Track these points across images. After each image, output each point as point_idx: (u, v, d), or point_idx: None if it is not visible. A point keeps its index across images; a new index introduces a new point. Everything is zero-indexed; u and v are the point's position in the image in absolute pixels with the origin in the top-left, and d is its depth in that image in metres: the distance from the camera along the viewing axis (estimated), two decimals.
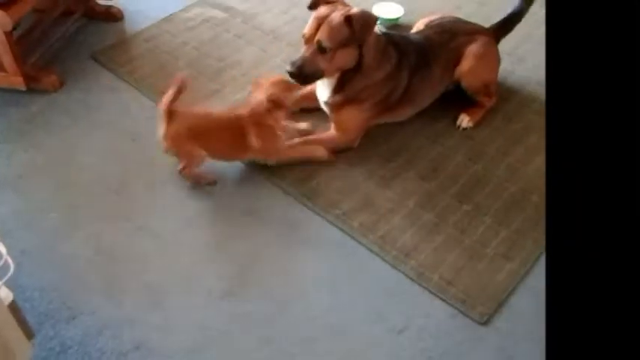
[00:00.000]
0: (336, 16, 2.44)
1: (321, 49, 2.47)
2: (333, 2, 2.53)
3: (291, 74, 2.52)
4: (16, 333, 1.43)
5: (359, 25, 2.43)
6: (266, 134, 2.48)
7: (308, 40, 2.50)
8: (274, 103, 2.45)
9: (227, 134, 2.49)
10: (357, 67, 2.57)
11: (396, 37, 2.77)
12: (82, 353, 2.02)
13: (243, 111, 2.49)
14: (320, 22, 2.46)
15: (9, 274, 1.43)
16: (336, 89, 2.64)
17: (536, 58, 3.23)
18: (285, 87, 2.51)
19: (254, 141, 2.47)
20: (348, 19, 2.43)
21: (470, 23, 2.96)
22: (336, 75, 2.61)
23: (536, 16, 3.03)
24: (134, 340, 2.05)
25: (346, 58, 2.53)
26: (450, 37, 2.82)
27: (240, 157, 2.60)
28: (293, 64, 2.50)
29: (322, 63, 2.51)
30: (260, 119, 2.47)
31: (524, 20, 3.01)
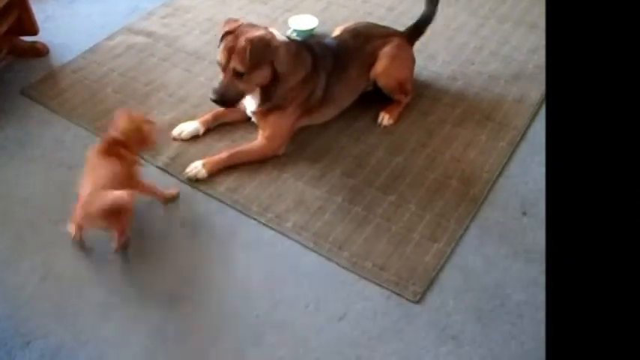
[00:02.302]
0: (242, 41, 2.56)
1: (237, 75, 2.61)
2: (235, 30, 2.64)
3: (215, 101, 2.67)
4: None
5: (254, 47, 2.56)
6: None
7: (224, 68, 2.63)
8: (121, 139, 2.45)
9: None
10: (274, 78, 2.70)
11: (310, 42, 2.93)
12: None
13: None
14: (230, 52, 2.59)
15: None
16: (262, 99, 2.78)
17: (445, 55, 3.44)
18: (138, 125, 2.49)
19: None
20: (251, 43, 2.56)
21: (383, 27, 3.14)
22: (259, 90, 2.76)
23: (443, 15, 3.22)
24: (90, 358, 2.13)
25: (262, 76, 2.67)
26: (364, 40, 2.98)
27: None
28: (215, 91, 2.65)
29: (241, 85, 2.65)
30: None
31: (433, 21, 3.20)
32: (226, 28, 2.65)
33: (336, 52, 2.91)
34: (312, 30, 3.57)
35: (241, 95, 2.71)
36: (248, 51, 2.54)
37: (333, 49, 2.91)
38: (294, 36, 3.51)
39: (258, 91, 2.76)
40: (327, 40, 3.02)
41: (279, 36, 2.73)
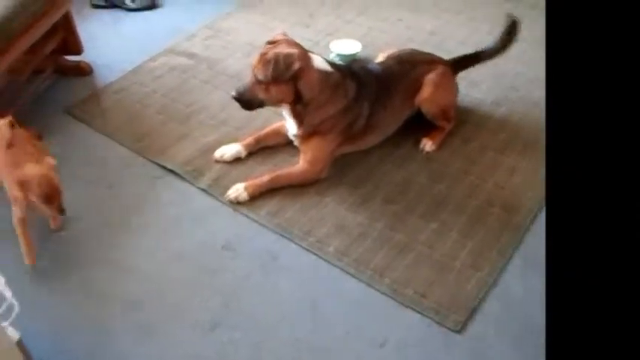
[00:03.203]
0: (271, 53, 2.61)
1: (258, 82, 2.66)
2: (275, 42, 2.71)
3: (234, 98, 2.75)
4: None
5: (275, 63, 2.59)
6: None
7: (252, 70, 2.69)
8: None
9: None
10: (299, 100, 2.71)
11: (356, 69, 2.93)
12: None
13: None
14: (260, 58, 2.65)
15: (14, 314, 1.54)
16: (298, 123, 2.79)
17: (489, 82, 3.42)
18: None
19: None
20: (275, 57, 2.60)
21: (427, 54, 3.14)
22: (287, 109, 2.78)
23: (485, 43, 3.20)
24: None
25: (281, 92, 2.68)
26: (409, 67, 2.98)
27: None
28: (237, 89, 2.74)
29: (260, 93, 2.69)
30: None
31: (475, 46, 3.20)
32: (271, 39, 2.72)
33: (381, 78, 2.91)
34: (354, 54, 3.57)
35: (259, 103, 2.74)
36: (272, 64, 2.58)
37: (378, 76, 2.91)
38: (336, 60, 3.52)
39: (290, 112, 2.79)
40: (372, 66, 3.02)
41: (321, 63, 2.73)
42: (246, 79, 2.75)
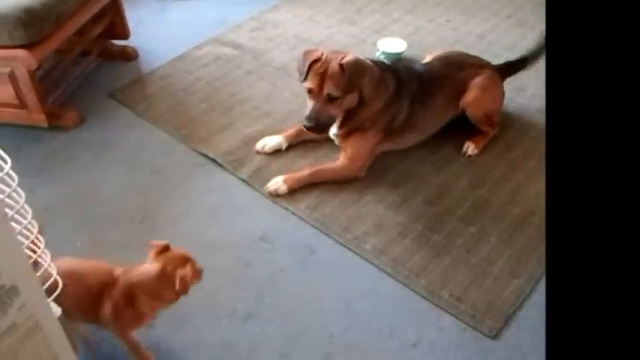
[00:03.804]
0: (335, 66, 2.60)
1: (330, 99, 2.63)
2: (321, 57, 2.66)
3: (309, 128, 2.70)
4: (64, 346, 1.54)
5: (351, 72, 2.59)
6: (128, 313, 1.98)
7: (316, 94, 2.65)
8: (167, 282, 1.94)
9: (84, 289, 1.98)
10: (360, 101, 2.72)
11: (397, 66, 2.94)
12: None
13: (124, 274, 2.04)
14: (322, 77, 2.61)
15: (58, 291, 1.55)
16: (343, 122, 2.79)
17: (535, 88, 3.37)
18: (186, 264, 2.00)
19: (107, 309, 1.97)
20: (342, 67, 2.59)
21: (475, 57, 3.12)
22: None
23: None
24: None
25: (352, 100, 2.70)
26: (456, 68, 2.97)
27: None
28: (309, 118, 2.67)
29: (333, 110, 2.68)
30: (134, 293, 1.96)
31: (523, 52, 3.16)
32: (311, 58, 2.66)
33: (424, 77, 2.90)
34: (400, 53, 3.56)
35: (333, 120, 2.73)
36: (347, 74, 2.58)
37: (420, 75, 2.90)
38: (382, 58, 3.51)
39: (342, 116, 2.79)
40: (416, 66, 3.01)
41: (364, 59, 2.74)
42: (307, 105, 2.71)
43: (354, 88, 2.64)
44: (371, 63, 2.75)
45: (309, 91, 2.67)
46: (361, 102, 2.72)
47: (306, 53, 2.70)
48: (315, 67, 2.64)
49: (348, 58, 2.62)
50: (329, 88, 2.61)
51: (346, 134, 2.82)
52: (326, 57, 2.65)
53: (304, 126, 2.73)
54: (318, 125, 2.68)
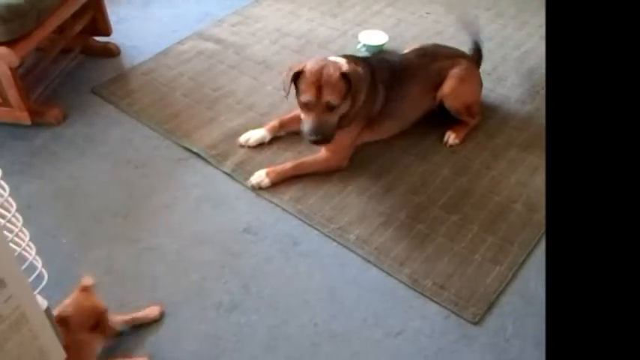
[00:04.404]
0: (333, 74, 2.59)
1: (329, 108, 2.62)
2: (303, 69, 2.63)
3: (316, 142, 2.67)
4: (51, 337, 1.55)
5: (355, 79, 2.62)
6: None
7: (315, 104, 2.62)
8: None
9: None
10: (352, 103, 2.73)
11: (369, 58, 2.98)
12: None
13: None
14: (317, 86, 2.59)
15: (43, 284, 1.56)
16: None
17: (515, 78, 3.41)
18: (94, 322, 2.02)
19: None
20: (345, 76, 2.59)
21: (451, 48, 3.14)
22: None
23: (514, 38, 3.21)
24: (147, 353, 2.16)
25: (346, 106, 2.70)
26: (430, 59, 2.99)
27: None
28: (313, 131, 2.63)
29: (332, 118, 2.66)
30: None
31: (503, 42, 3.20)
32: (295, 70, 2.64)
33: (396, 67, 2.92)
34: (381, 46, 3.58)
35: (334, 128, 2.70)
36: (353, 83, 2.60)
37: (393, 64, 2.92)
38: (363, 51, 3.54)
39: None
40: (390, 56, 3.04)
41: (344, 63, 2.70)
42: (305, 120, 2.69)
43: (346, 96, 2.65)
44: (347, 63, 2.72)
45: (306, 104, 2.64)
46: (352, 107, 2.73)
47: (290, 69, 2.68)
48: (306, 79, 2.61)
49: (347, 67, 2.62)
50: (329, 97, 2.59)
51: None
52: (312, 67, 2.62)
53: (310, 141, 2.68)
54: (324, 136, 2.65)
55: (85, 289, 2.05)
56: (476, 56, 3.21)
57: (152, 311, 2.26)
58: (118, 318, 2.16)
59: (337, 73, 2.59)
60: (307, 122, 2.66)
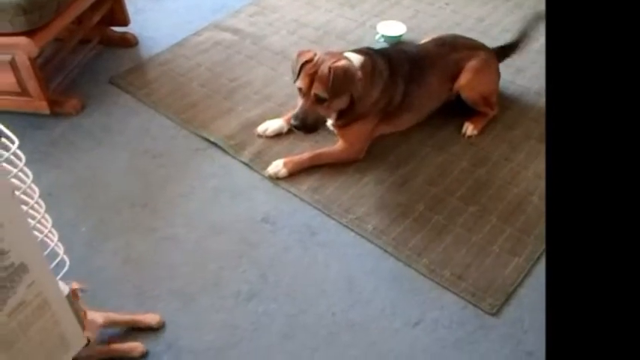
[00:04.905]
0: (324, 69, 2.59)
1: (318, 100, 2.64)
2: (313, 58, 2.65)
3: (296, 127, 2.69)
4: (72, 323, 1.57)
5: (337, 77, 2.58)
6: None
7: (305, 93, 2.66)
8: None
9: None
10: (351, 102, 2.73)
11: (387, 49, 2.97)
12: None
13: None
14: (312, 78, 2.61)
15: (65, 270, 1.58)
16: (339, 116, 2.80)
17: (534, 69, 3.39)
18: None
19: None
20: (330, 70, 2.58)
21: (470, 39, 3.12)
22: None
23: (533, 29, 3.18)
24: (166, 341, 2.18)
25: (341, 103, 2.70)
26: (449, 50, 2.98)
27: None
28: (296, 117, 2.68)
29: (322, 111, 2.68)
30: None
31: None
32: (303, 59, 2.66)
33: (415, 58, 2.91)
34: (399, 37, 3.57)
35: (322, 121, 2.73)
36: (331, 79, 2.57)
37: (412, 55, 2.91)
38: (381, 41, 3.53)
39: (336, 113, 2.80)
40: (408, 47, 3.03)
41: (356, 59, 2.73)
42: (298, 103, 2.71)
43: (342, 93, 2.65)
44: (361, 60, 2.74)
45: (299, 90, 2.68)
46: (353, 103, 2.73)
47: (300, 54, 2.70)
48: (307, 68, 2.64)
49: (338, 63, 2.61)
50: (317, 89, 2.61)
51: (343, 125, 2.83)
52: (318, 58, 2.65)
53: (292, 125, 2.74)
54: (305, 125, 2.68)
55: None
56: (505, 49, 3.20)
57: (152, 318, 2.23)
58: (98, 317, 2.07)
59: (327, 69, 2.59)
60: (297, 107, 2.70)
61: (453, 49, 2.99)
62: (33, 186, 1.46)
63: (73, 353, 1.63)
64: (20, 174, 1.40)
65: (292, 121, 2.72)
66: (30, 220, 1.46)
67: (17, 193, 1.35)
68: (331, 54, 2.70)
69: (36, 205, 1.48)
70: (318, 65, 2.62)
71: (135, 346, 2.15)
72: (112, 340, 2.16)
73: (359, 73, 2.67)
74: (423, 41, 3.15)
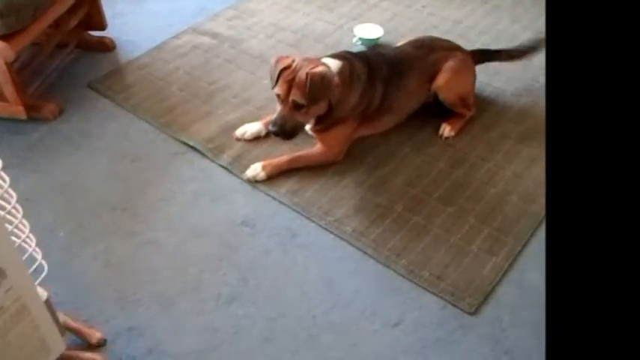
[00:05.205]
0: (302, 75, 2.60)
1: (296, 107, 2.65)
2: (291, 65, 2.65)
3: (275, 133, 2.70)
4: (51, 328, 1.57)
5: (314, 83, 2.59)
6: None
7: (283, 100, 2.66)
8: None
9: None
10: (329, 108, 2.75)
11: (366, 52, 2.98)
12: None
13: None
14: (290, 84, 2.62)
15: (43, 275, 1.57)
16: (317, 121, 2.81)
17: (510, 71, 3.41)
18: None
19: None
20: (307, 76, 2.59)
21: (447, 41, 3.14)
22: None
23: (509, 33, 3.22)
24: (146, 345, 2.17)
25: (319, 109, 2.71)
26: (427, 51, 3.00)
27: None
28: (274, 123, 2.68)
29: (300, 117, 2.69)
30: None
31: (498, 36, 3.20)
32: (281, 65, 2.66)
33: (394, 60, 2.93)
34: (377, 39, 3.59)
35: (300, 126, 2.74)
36: (308, 85, 2.58)
37: (390, 58, 2.93)
38: (359, 44, 3.55)
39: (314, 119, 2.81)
40: (386, 50, 3.05)
41: (334, 64, 2.73)
42: (277, 109, 2.71)
43: (319, 100, 2.66)
44: (339, 62, 2.75)
45: (278, 96, 2.69)
46: (331, 108, 2.74)
47: (278, 60, 2.71)
48: (285, 74, 2.64)
49: (316, 70, 2.61)
50: (295, 96, 2.61)
51: (322, 130, 2.84)
52: (296, 65, 2.65)
53: (270, 131, 2.75)
54: (283, 131, 2.68)
55: None
56: (484, 55, 3.22)
57: (93, 334, 2.16)
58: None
59: (304, 75, 2.59)
60: (275, 114, 2.71)
61: (430, 51, 3.01)
62: (10, 191, 1.45)
63: (53, 358, 1.63)
64: None
65: (270, 127, 2.72)
66: (7, 225, 1.46)
67: None
68: (309, 60, 2.71)
69: (13, 210, 1.48)
70: (295, 71, 2.62)
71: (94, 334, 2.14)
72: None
73: (336, 79, 2.68)
74: (400, 43, 3.17)
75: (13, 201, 1.46)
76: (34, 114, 3.11)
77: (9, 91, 2.96)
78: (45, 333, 1.54)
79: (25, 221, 1.53)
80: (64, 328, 1.67)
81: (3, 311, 1.40)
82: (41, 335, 1.53)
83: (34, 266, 1.56)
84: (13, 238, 1.48)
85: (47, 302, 1.55)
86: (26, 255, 1.53)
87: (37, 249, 1.56)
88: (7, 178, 1.43)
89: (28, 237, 1.53)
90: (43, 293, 1.56)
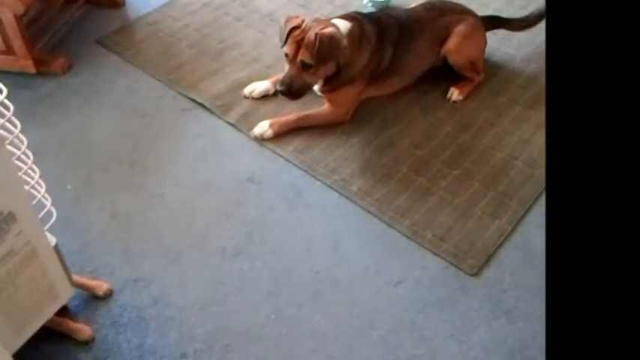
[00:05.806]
0: (311, 35, 2.60)
1: (304, 67, 2.65)
2: (301, 25, 2.65)
3: (282, 92, 2.71)
4: (60, 274, 1.59)
5: (322, 44, 2.59)
6: None
7: (291, 60, 2.67)
8: None
9: None
10: (338, 68, 2.75)
11: (376, 14, 2.96)
12: (105, 310, 2.17)
13: None
14: (299, 44, 2.62)
15: (52, 220, 1.59)
16: (326, 81, 2.82)
17: (521, 37, 3.38)
18: None
19: None
20: (316, 37, 2.59)
21: (458, 4, 3.11)
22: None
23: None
24: (152, 297, 2.21)
25: (327, 70, 2.72)
26: (438, 14, 2.98)
27: None
28: (282, 82, 2.69)
29: (307, 77, 2.69)
30: None
31: (510, 1, 3.17)
32: (291, 25, 2.66)
33: (404, 22, 2.92)
34: (388, 1, 3.57)
35: (307, 87, 2.75)
36: (317, 46, 2.58)
37: (401, 19, 2.92)
38: (369, 6, 3.52)
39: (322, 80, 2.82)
40: (397, 12, 3.04)
41: (343, 25, 2.73)
42: (285, 68, 2.72)
43: (328, 60, 2.67)
44: (349, 23, 2.75)
45: (286, 55, 2.69)
46: (339, 69, 2.74)
47: (287, 20, 2.70)
48: (294, 34, 2.64)
49: (325, 30, 2.61)
50: (303, 56, 2.62)
51: (330, 90, 2.84)
52: (306, 25, 2.65)
53: (277, 90, 2.76)
54: (290, 90, 2.70)
55: None
56: (495, 21, 3.21)
57: (100, 286, 2.21)
58: None
59: (313, 35, 2.59)
60: (283, 73, 2.72)
61: (441, 13, 2.99)
62: (21, 136, 1.47)
63: (61, 303, 1.66)
64: (7, 124, 1.41)
65: (278, 87, 2.73)
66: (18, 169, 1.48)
67: (5, 142, 1.37)
68: (319, 21, 2.71)
69: (23, 156, 1.49)
70: (305, 32, 2.62)
71: (84, 329, 2.07)
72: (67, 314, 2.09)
73: (345, 41, 2.68)
74: (411, 5, 3.15)
75: (24, 147, 1.48)
76: (43, 68, 3.11)
77: (18, 45, 2.98)
78: (53, 278, 1.57)
79: (35, 167, 1.55)
80: (71, 277, 1.69)
81: (13, 255, 1.43)
82: (50, 281, 1.55)
83: (44, 212, 1.58)
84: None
85: (56, 248, 1.58)
86: (35, 200, 1.55)
87: (47, 195, 1.58)
88: (18, 123, 1.44)
89: (37, 183, 1.55)
90: (51, 239, 1.58)
